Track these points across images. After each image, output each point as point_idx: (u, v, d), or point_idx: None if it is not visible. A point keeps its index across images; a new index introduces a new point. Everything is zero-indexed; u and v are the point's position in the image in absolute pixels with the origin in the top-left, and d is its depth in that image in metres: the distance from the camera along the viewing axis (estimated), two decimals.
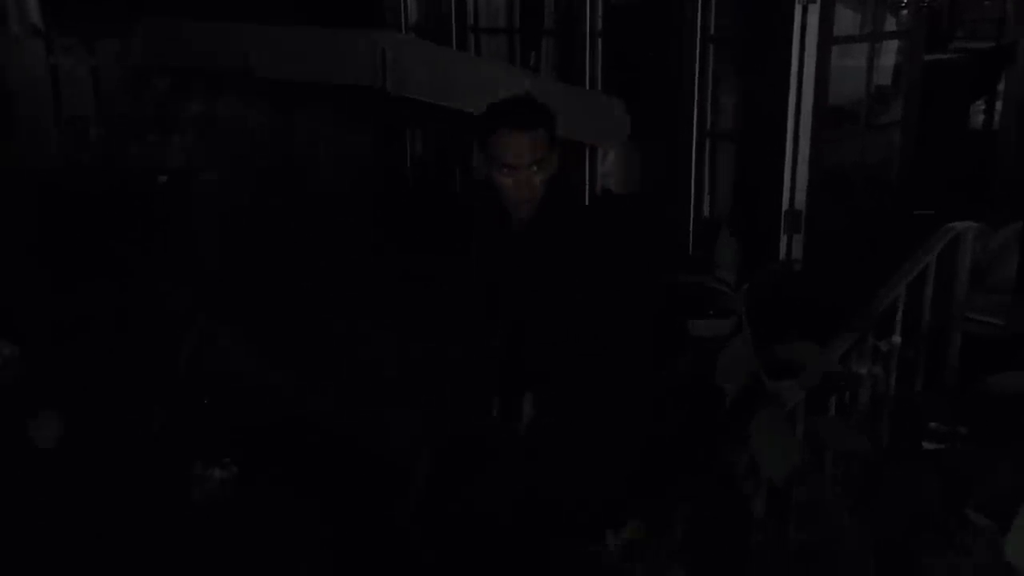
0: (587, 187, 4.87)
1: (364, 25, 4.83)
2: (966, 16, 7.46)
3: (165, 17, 4.62)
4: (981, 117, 6.42)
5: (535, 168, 2.36)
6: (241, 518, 3.15)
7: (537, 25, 5.66)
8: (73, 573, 2.88)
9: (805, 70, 4.08)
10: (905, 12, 4.89)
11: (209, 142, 5.17)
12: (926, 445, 2.54)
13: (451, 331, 2.94)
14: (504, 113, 2.42)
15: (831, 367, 2.33)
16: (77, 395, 3.59)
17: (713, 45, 4.44)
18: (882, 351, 2.50)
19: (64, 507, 3.07)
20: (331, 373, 3.69)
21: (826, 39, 4.11)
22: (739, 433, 1.71)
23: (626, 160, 4.99)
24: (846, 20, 4.47)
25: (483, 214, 2.58)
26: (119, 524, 3.00)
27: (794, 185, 4.16)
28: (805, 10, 4.02)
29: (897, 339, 2.68)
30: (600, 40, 4.91)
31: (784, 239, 4.20)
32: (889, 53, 4.92)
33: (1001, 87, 5.83)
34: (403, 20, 5.61)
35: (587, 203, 4.64)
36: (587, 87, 4.94)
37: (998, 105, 5.95)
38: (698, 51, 4.39)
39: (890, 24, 4.96)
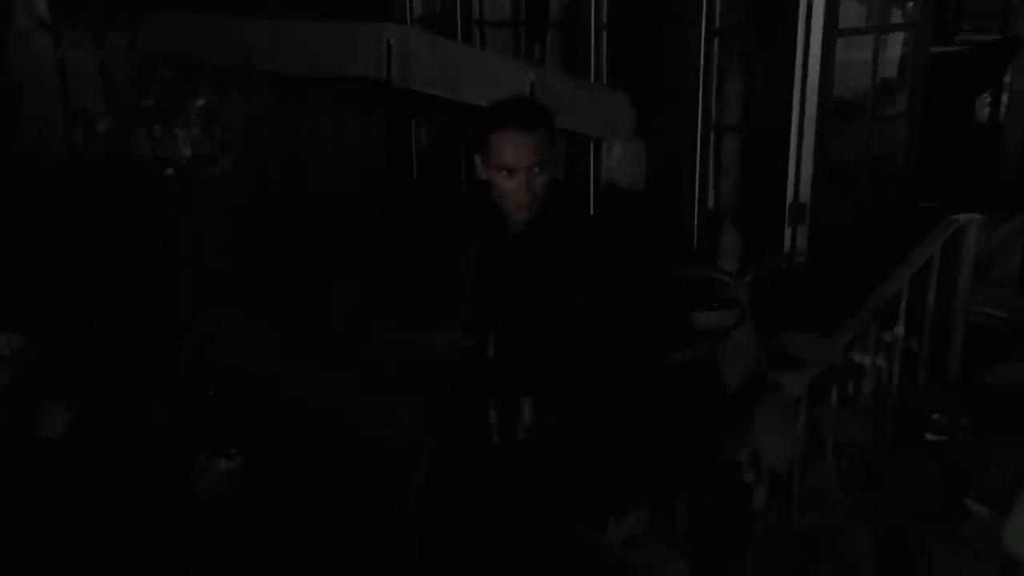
0: (592, 181, 4.87)
1: (369, 18, 4.83)
2: (972, 8, 7.43)
3: (170, 10, 4.63)
4: (987, 110, 6.41)
5: (535, 170, 2.32)
6: (246, 509, 3.16)
7: (542, 18, 5.66)
8: (79, 562, 2.89)
9: (810, 63, 4.08)
10: (911, 4, 4.89)
11: (215, 135, 5.18)
12: (929, 436, 2.55)
13: (448, 329, 2.92)
14: (504, 114, 2.38)
15: (834, 358, 2.34)
16: (83, 386, 3.61)
17: (718, 38, 4.44)
18: (885, 342, 2.50)
19: (71, 496, 3.08)
20: (333, 364, 3.69)
21: (831, 31, 4.11)
22: (741, 424, 1.72)
23: (631, 153, 4.98)
24: (851, 12, 4.47)
25: (483, 216, 2.52)
26: (124, 513, 3.01)
27: (798, 178, 4.16)
28: (810, 3, 4.02)
29: (900, 330, 2.68)
30: (605, 33, 4.91)
31: (788, 231, 4.20)
32: (894, 45, 4.92)
33: (1007, 80, 5.82)
34: (408, 13, 5.61)
35: (589, 202, 4.65)
36: (592, 80, 4.94)
37: (1004, 98, 5.94)
38: (703, 44, 4.40)
39: (896, 16, 4.96)
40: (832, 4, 4.06)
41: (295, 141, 5.27)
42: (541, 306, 2.44)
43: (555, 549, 2.44)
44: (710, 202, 4.60)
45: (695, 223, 4.55)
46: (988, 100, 6.40)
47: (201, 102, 5.21)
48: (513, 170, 2.31)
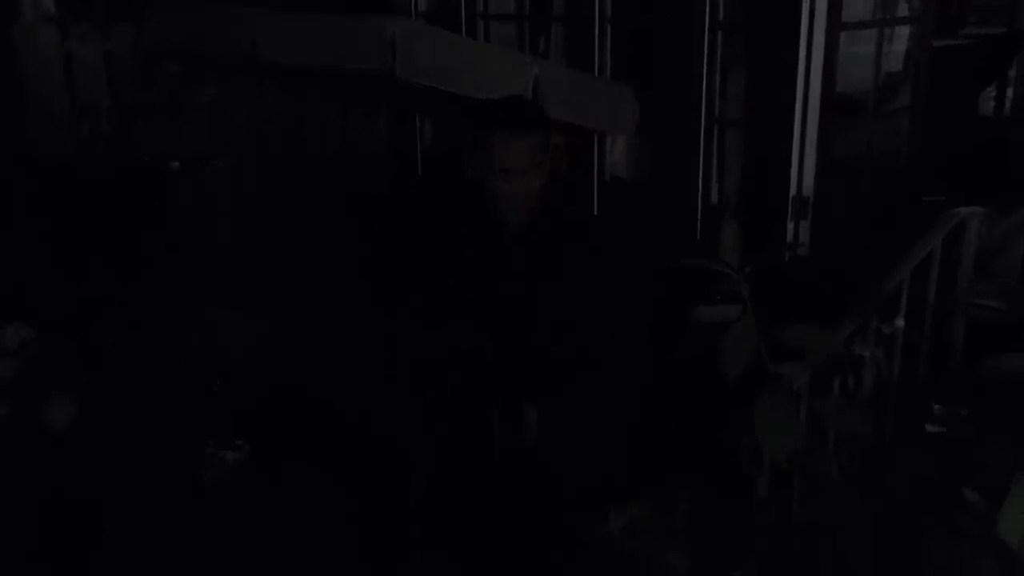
0: (595, 175, 4.88)
1: (374, 11, 4.84)
2: (977, 1, 7.41)
3: (175, 3, 4.64)
4: (991, 103, 6.40)
5: (532, 172, 2.26)
6: (251, 500, 3.17)
7: (546, 12, 5.66)
8: (85, 554, 2.91)
9: (813, 56, 4.09)
10: None
11: (221, 128, 5.19)
12: (929, 428, 2.56)
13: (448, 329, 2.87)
14: (499, 115, 2.31)
15: (835, 350, 2.36)
16: (90, 378, 3.62)
17: (722, 31, 4.45)
18: (885, 334, 2.52)
19: (77, 487, 3.10)
20: (335, 357, 3.70)
21: (835, 25, 4.12)
22: (743, 415, 1.74)
23: (634, 147, 4.99)
24: (856, 6, 4.46)
25: (478, 218, 2.46)
26: (130, 504, 3.02)
27: (801, 171, 4.17)
28: None
29: (900, 322, 2.70)
30: (609, 27, 4.91)
31: (791, 225, 4.21)
32: (898, 39, 4.91)
33: (1012, 73, 5.82)
34: (413, 6, 5.61)
35: (593, 196, 4.65)
36: (596, 74, 4.95)
37: (1009, 92, 5.94)
38: (707, 37, 4.40)
39: (901, 10, 4.95)
40: None
41: (299, 135, 5.28)
42: (539, 313, 2.39)
43: (556, 540, 2.45)
44: (713, 196, 4.61)
45: (698, 217, 4.56)
46: (993, 94, 6.39)
47: (206, 95, 5.23)
48: (509, 172, 2.25)
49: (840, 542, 1.92)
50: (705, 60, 4.42)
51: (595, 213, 4.57)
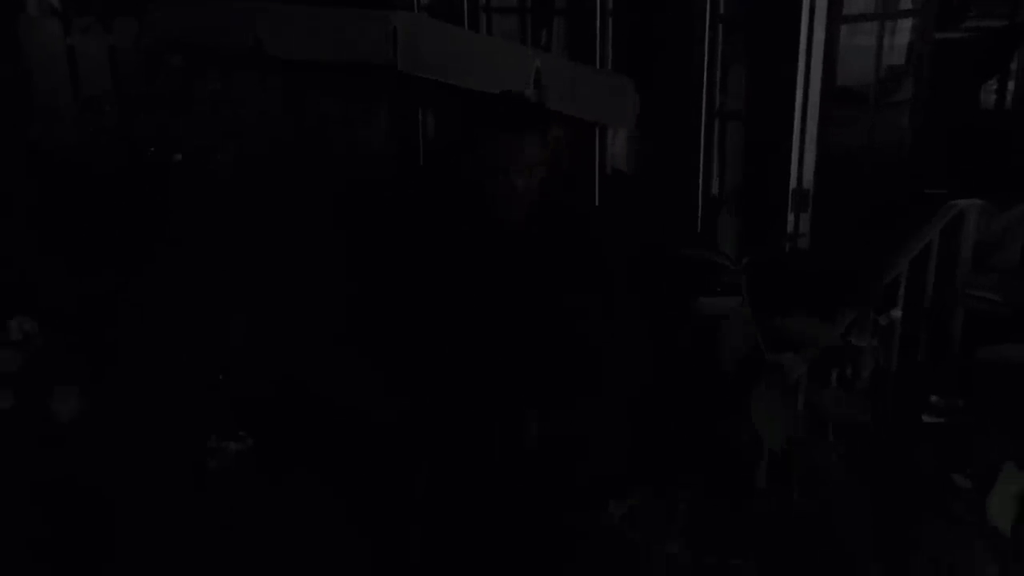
0: (597, 167, 4.89)
1: (376, 5, 4.85)
2: None
3: None
4: (993, 96, 6.40)
5: (529, 171, 2.19)
6: (253, 495, 3.19)
7: (548, 5, 5.67)
8: (91, 545, 2.92)
9: (814, 49, 4.10)
10: None
11: (224, 122, 5.20)
12: (927, 419, 2.58)
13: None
14: (495, 113, 2.24)
15: (833, 341, 2.38)
16: (94, 371, 3.64)
17: (723, 24, 4.46)
18: (881, 325, 2.53)
19: (82, 478, 3.11)
20: (340, 351, 3.70)
21: (835, 18, 4.13)
22: (740, 405, 1.76)
23: (635, 140, 5.01)
24: None
25: (474, 218, 2.38)
26: (135, 496, 3.04)
27: (802, 164, 4.19)
28: None
29: (896, 313, 2.71)
30: (611, 20, 4.93)
31: (791, 217, 4.23)
32: (899, 32, 4.92)
33: (1014, 66, 5.82)
34: (415, 0, 5.63)
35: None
36: (598, 66, 4.96)
37: (1010, 84, 5.94)
38: (708, 30, 4.41)
39: (902, 3, 4.95)
40: None
41: (303, 128, 5.29)
42: (536, 316, 2.34)
43: (556, 531, 2.46)
44: (714, 188, 4.62)
45: (698, 209, 4.58)
46: (994, 87, 6.39)
47: (209, 89, 5.24)
48: (504, 172, 2.19)
49: (838, 529, 1.94)
50: (706, 53, 4.43)
51: (596, 205, 4.59)
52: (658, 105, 4.60)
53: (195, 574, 2.90)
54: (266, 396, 3.56)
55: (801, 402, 2.35)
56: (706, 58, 4.42)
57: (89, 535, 2.91)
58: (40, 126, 5.33)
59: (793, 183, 4.20)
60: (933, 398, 2.64)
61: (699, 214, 4.58)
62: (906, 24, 4.94)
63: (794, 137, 4.16)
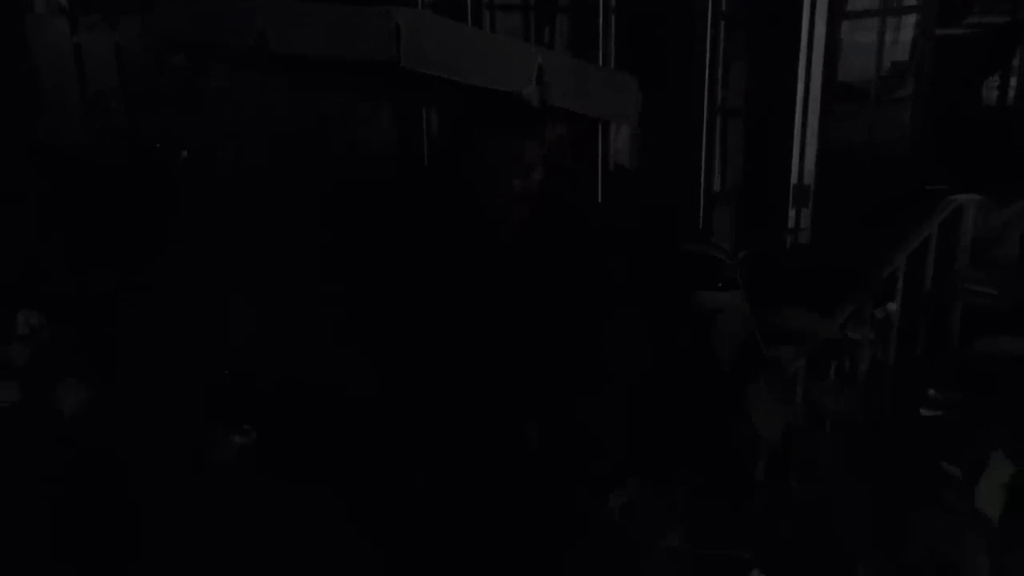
0: (600, 164, 4.91)
1: (379, 1, 4.87)
2: None
3: None
4: (995, 93, 6.40)
5: (527, 173, 2.20)
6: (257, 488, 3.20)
7: (551, 2, 5.69)
8: (97, 537, 2.94)
9: (815, 45, 4.11)
10: None
11: (229, 119, 5.23)
12: (924, 412, 2.59)
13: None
14: (492, 114, 2.24)
15: (831, 334, 2.40)
16: (100, 364, 3.66)
17: (724, 21, 4.47)
18: (877, 318, 2.55)
19: (88, 470, 3.14)
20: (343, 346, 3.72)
21: (837, 13, 4.14)
22: (739, 399, 1.78)
23: (638, 136, 5.02)
24: None
25: (474, 219, 2.39)
26: (140, 488, 3.06)
27: (803, 160, 4.20)
28: None
29: (892, 306, 2.73)
30: (613, 16, 4.94)
31: (792, 213, 4.24)
32: (902, 28, 4.93)
33: (1016, 62, 5.83)
34: None
35: (598, 185, 4.67)
36: (600, 63, 4.97)
37: (1012, 81, 5.94)
38: (709, 27, 4.42)
39: None
40: None
41: (307, 126, 5.31)
42: (535, 320, 2.34)
43: (556, 524, 2.48)
44: (715, 184, 4.64)
45: (700, 204, 4.60)
46: (997, 83, 6.39)
47: (214, 86, 5.26)
48: (502, 174, 2.22)
49: (835, 521, 1.96)
50: (708, 49, 4.45)
51: (599, 202, 4.61)
52: (660, 102, 4.61)
53: (199, 566, 2.93)
54: (269, 391, 3.58)
55: (799, 396, 2.37)
56: (708, 54, 4.44)
57: (94, 528, 2.93)
58: (47, 123, 5.36)
59: (794, 179, 4.22)
60: (931, 392, 2.66)
61: (701, 210, 4.59)
62: (908, 20, 4.94)
63: (795, 133, 4.17)
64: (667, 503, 2.51)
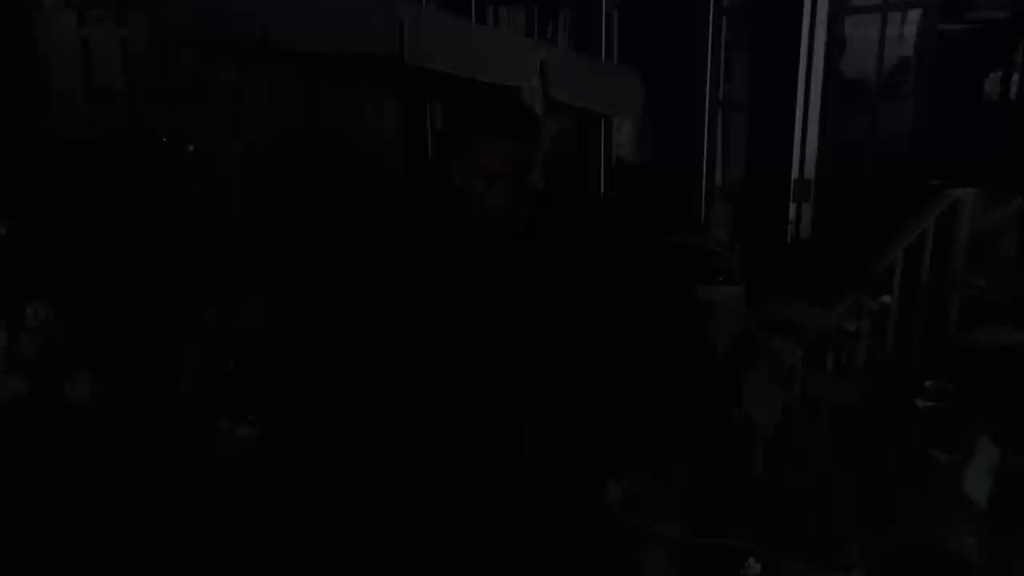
0: (603, 158, 4.94)
1: None
2: None
3: None
4: (997, 88, 6.40)
5: (518, 178, 2.05)
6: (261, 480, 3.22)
7: None
8: (102, 528, 2.97)
9: (816, 41, 4.14)
10: None
11: (235, 113, 5.25)
12: (920, 403, 2.61)
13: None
14: (483, 115, 2.10)
15: (827, 325, 2.43)
16: (108, 356, 3.68)
17: (726, 17, 4.50)
18: (872, 310, 2.58)
19: (97, 462, 3.16)
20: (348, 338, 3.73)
21: (838, 9, 4.16)
22: (734, 388, 1.81)
23: (641, 131, 5.05)
24: None
25: (460, 229, 2.24)
26: (145, 480, 3.08)
27: (804, 154, 4.23)
28: None
29: (887, 298, 2.76)
30: (616, 12, 4.97)
31: (793, 207, 4.27)
32: (904, 23, 4.94)
33: (1019, 58, 5.82)
34: None
35: (600, 179, 4.69)
36: (603, 58, 5.00)
37: (1015, 76, 5.94)
38: (711, 23, 4.45)
39: None
40: None
41: (313, 120, 5.33)
42: (529, 332, 2.22)
43: (555, 513, 2.50)
44: (717, 178, 4.67)
45: (703, 198, 4.63)
46: (999, 78, 6.39)
47: (220, 80, 5.28)
48: (494, 179, 2.05)
49: (828, 502, 1.99)
50: (710, 45, 4.48)
51: (602, 195, 4.64)
52: (663, 96, 4.65)
53: (203, 557, 2.95)
54: (275, 382, 3.60)
55: (797, 385, 2.40)
56: (710, 50, 4.46)
57: (101, 518, 2.95)
58: (55, 115, 5.39)
59: (795, 173, 4.25)
60: (928, 383, 2.68)
61: (703, 203, 4.63)
62: (910, 15, 4.96)
63: (796, 127, 4.20)
64: (667, 493, 2.53)
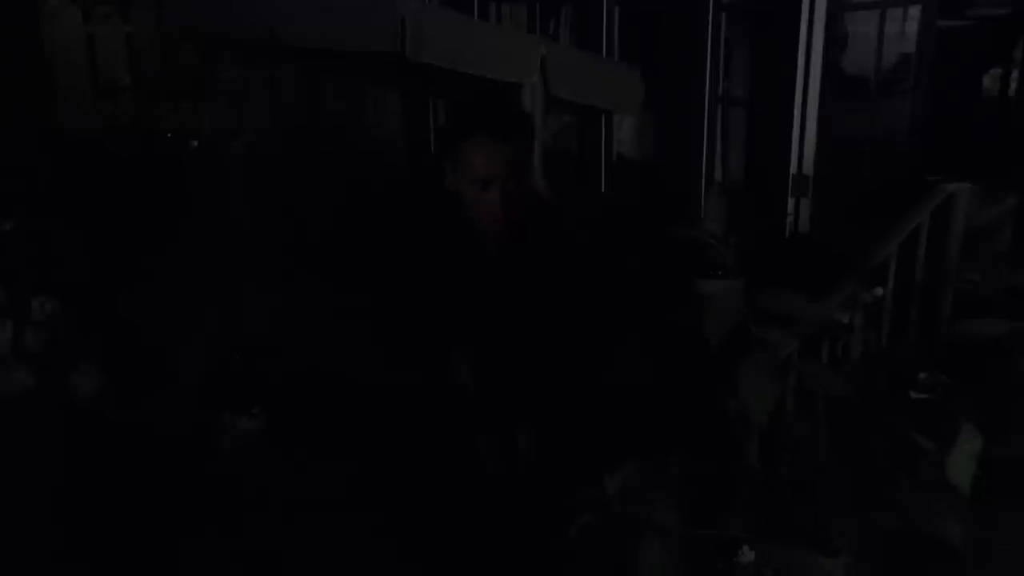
0: (603, 154, 4.96)
1: None
2: None
3: None
4: (996, 84, 6.41)
5: (511, 182, 2.05)
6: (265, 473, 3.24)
7: None
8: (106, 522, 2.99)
9: (815, 36, 4.15)
10: None
11: (239, 109, 5.27)
12: (914, 395, 2.65)
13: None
14: (478, 120, 2.08)
15: (821, 317, 2.45)
16: (113, 351, 3.71)
17: (726, 13, 4.51)
18: (866, 302, 2.60)
19: (102, 456, 3.18)
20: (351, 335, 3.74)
21: (837, 5, 4.18)
22: (729, 380, 1.84)
23: (641, 126, 5.07)
24: None
25: (453, 233, 2.22)
26: (150, 473, 3.10)
27: (802, 150, 4.24)
28: None
29: (879, 291, 2.78)
30: (617, 8, 4.99)
31: (792, 202, 4.29)
32: (904, 20, 4.95)
33: (1018, 54, 5.83)
34: None
35: (601, 175, 4.71)
36: (604, 55, 5.02)
37: (1014, 73, 5.95)
38: (711, 19, 4.47)
39: None
40: None
41: (316, 116, 5.35)
42: (521, 334, 2.22)
43: (549, 505, 2.52)
44: (717, 173, 4.69)
45: (702, 193, 4.65)
46: (998, 74, 6.40)
47: (224, 77, 5.30)
48: (487, 182, 2.05)
49: (821, 492, 2.02)
50: (709, 41, 4.49)
51: (602, 191, 4.66)
52: (663, 92, 4.66)
53: (206, 550, 2.96)
54: (278, 375, 3.63)
55: (792, 377, 2.42)
56: (709, 46, 4.48)
57: (107, 511, 2.97)
58: (60, 111, 5.42)
59: (793, 168, 4.27)
60: (922, 375, 2.71)
61: (702, 198, 4.65)
62: (910, 12, 4.97)
63: (795, 123, 4.22)
64: (663, 484, 2.55)
